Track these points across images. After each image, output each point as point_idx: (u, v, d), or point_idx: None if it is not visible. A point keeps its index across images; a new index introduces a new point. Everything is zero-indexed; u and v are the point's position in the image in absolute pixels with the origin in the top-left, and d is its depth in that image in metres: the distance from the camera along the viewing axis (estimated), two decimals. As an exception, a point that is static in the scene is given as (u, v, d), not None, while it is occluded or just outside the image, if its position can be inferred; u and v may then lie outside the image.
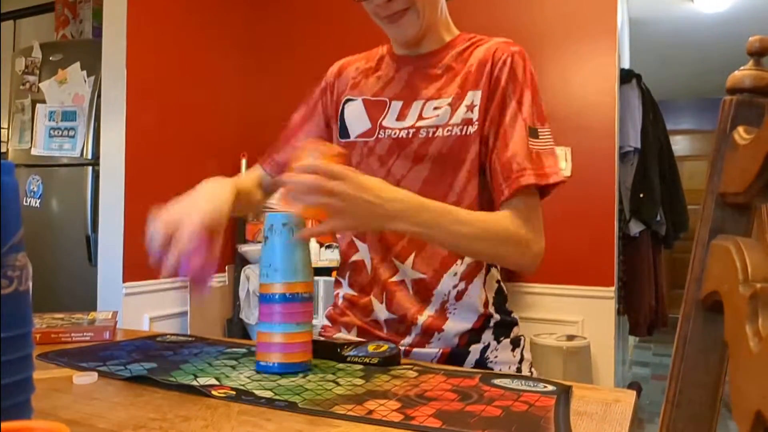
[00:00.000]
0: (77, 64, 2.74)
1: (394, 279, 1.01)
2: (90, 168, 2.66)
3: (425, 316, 1.00)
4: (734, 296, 0.41)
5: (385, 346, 0.95)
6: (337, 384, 0.81)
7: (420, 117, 1.01)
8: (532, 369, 1.05)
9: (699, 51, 5.00)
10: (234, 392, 0.76)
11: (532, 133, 0.97)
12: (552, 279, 2.59)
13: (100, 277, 2.45)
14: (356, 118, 1.06)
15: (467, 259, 1.00)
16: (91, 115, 2.68)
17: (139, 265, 2.45)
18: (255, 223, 2.95)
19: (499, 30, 2.71)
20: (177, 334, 1.17)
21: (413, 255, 1.00)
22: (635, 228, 2.99)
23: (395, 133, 1.02)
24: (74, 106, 2.73)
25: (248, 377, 0.84)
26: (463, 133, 0.98)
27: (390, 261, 1.02)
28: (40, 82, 2.82)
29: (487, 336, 1.01)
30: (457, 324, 0.99)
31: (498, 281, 1.05)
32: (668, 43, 4.82)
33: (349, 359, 0.92)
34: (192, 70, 2.76)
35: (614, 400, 0.75)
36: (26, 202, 2.76)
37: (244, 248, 2.80)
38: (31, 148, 2.79)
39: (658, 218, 3.02)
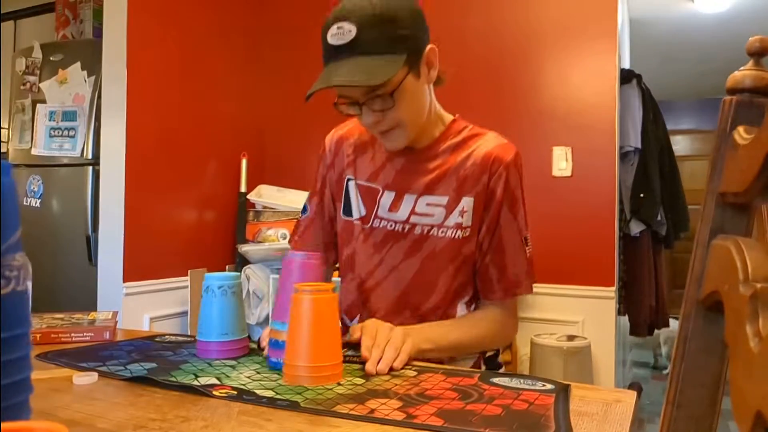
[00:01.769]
0: (77, 65, 2.74)
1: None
2: (90, 168, 2.65)
3: None
4: (734, 296, 0.41)
5: None
6: (338, 383, 0.81)
7: (413, 211, 1.07)
8: None
9: (699, 51, 4.99)
10: (235, 392, 0.76)
11: (526, 241, 1.08)
12: (552, 279, 2.59)
13: (100, 277, 2.45)
14: (354, 200, 1.12)
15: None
16: (92, 115, 2.68)
17: (140, 265, 2.45)
18: (255, 223, 2.95)
19: (499, 30, 2.72)
20: (177, 334, 1.17)
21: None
22: (635, 228, 2.98)
23: (390, 225, 1.08)
24: (74, 106, 2.73)
25: (248, 377, 0.84)
26: (454, 236, 1.05)
27: None
28: (40, 82, 2.82)
29: None
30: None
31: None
32: (668, 43, 4.82)
33: (348, 359, 0.92)
34: (192, 70, 2.76)
35: (615, 400, 0.75)
36: (26, 202, 2.76)
37: (245, 248, 2.80)
38: (31, 148, 2.79)
39: (659, 218, 3.01)
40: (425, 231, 1.05)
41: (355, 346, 0.96)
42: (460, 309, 1.10)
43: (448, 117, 1.13)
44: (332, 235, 1.18)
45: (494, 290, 1.08)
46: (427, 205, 1.06)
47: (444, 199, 1.05)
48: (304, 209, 1.22)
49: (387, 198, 1.08)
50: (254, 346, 1.05)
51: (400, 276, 1.07)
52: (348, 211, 1.12)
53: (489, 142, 1.07)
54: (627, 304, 3.00)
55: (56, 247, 2.70)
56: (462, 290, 1.10)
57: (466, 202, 1.05)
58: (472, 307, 1.13)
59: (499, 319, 1.09)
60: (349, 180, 1.12)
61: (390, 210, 1.07)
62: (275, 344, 0.88)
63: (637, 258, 3.02)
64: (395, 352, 0.90)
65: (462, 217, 1.05)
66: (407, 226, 1.06)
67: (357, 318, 1.13)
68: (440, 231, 1.05)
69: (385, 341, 0.91)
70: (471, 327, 1.07)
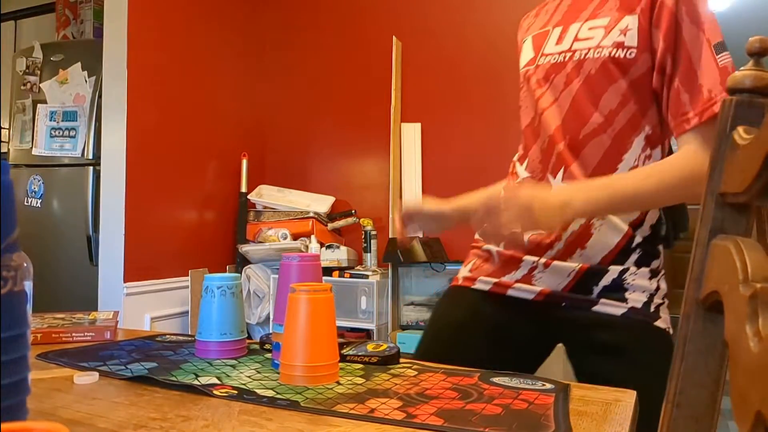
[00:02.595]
0: (78, 65, 2.74)
1: None
2: (91, 168, 2.66)
3: (569, 233, 1.02)
4: (734, 296, 0.41)
5: (384, 345, 0.96)
6: (338, 383, 0.81)
7: (576, 38, 1.04)
8: (665, 299, 1.07)
9: (699, 51, 4.99)
10: (236, 391, 0.76)
11: (717, 49, 0.93)
12: (552, 279, 2.59)
13: (101, 277, 2.45)
14: (524, 52, 1.15)
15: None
16: (92, 115, 2.68)
17: (140, 265, 2.45)
18: (255, 222, 2.95)
19: (498, 30, 2.72)
20: (177, 334, 1.18)
21: (562, 170, 1.03)
22: (635, 228, 2.98)
23: (554, 58, 1.07)
24: (75, 106, 2.73)
25: (249, 376, 0.84)
26: (612, 55, 0.99)
27: (546, 180, 1.05)
28: (41, 82, 2.83)
29: (630, 260, 1.03)
30: (599, 240, 1.01)
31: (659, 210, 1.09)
32: (669, 43, 4.82)
33: (348, 358, 0.92)
34: (193, 70, 2.76)
35: (614, 399, 0.75)
36: (27, 202, 2.76)
37: (245, 248, 2.80)
38: (32, 148, 2.79)
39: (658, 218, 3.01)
40: (583, 55, 1.02)
41: (356, 345, 0.97)
42: (637, 144, 1.01)
43: None
44: None
45: (688, 116, 0.93)
46: (590, 29, 1.03)
47: (606, 20, 1.01)
48: None
49: (555, 34, 1.08)
50: (255, 346, 1.05)
51: (561, 103, 1.04)
52: (522, 65, 1.15)
53: None
54: (627, 304, 3.00)
55: (57, 247, 2.70)
56: (636, 122, 1.00)
57: (629, 21, 0.98)
58: (657, 150, 1.03)
59: (693, 156, 0.92)
60: (523, 43, 1.17)
61: (557, 44, 1.07)
62: (278, 347, 0.88)
63: (638, 258, 3.01)
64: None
65: (625, 35, 0.98)
66: (568, 54, 1.04)
67: (526, 160, 1.10)
68: (596, 52, 1.00)
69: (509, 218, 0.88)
70: (648, 176, 0.94)
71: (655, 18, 0.96)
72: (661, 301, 1.05)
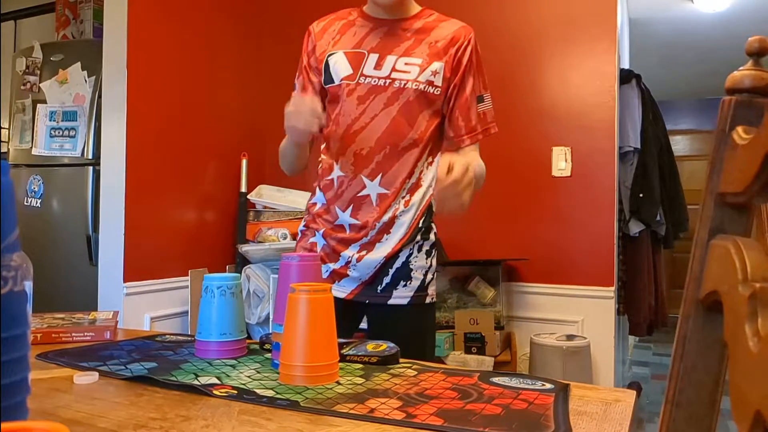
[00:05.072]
0: (78, 65, 2.74)
1: (361, 194, 1.28)
2: (91, 168, 2.65)
3: (381, 222, 1.29)
4: (733, 296, 0.41)
5: (384, 345, 0.96)
6: (338, 383, 0.81)
7: (393, 69, 1.29)
8: (435, 273, 1.36)
9: (699, 51, 4.99)
10: (235, 391, 0.76)
11: (482, 99, 1.35)
12: (552, 279, 2.59)
13: (101, 276, 2.45)
14: (340, 66, 1.31)
15: (413, 178, 1.30)
16: (92, 115, 2.68)
17: (140, 264, 2.45)
18: (255, 222, 2.95)
19: (499, 30, 2.72)
20: (177, 334, 1.18)
21: (380, 176, 1.28)
22: (635, 228, 2.98)
23: (374, 81, 1.29)
24: (75, 106, 2.73)
25: (249, 376, 0.84)
26: (425, 90, 1.28)
27: (359, 179, 1.29)
28: (40, 82, 2.82)
29: (415, 245, 1.32)
30: (400, 229, 1.29)
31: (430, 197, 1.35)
32: (668, 43, 4.82)
33: (348, 358, 0.92)
34: (193, 69, 2.76)
35: (614, 399, 0.75)
36: (27, 202, 2.76)
37: (245, 248, 2.80)
38: (31, 148, 2.79)
39: (658, 218, 3.01)
40: (402, 84, 1.27)
41: (356, 344, 0.97)
42: (434, 153, 1.34)
43: (418, 6, 1.38)
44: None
45: (463, 139, 1.32)
46: (406, 64, 1.28)
47: (419, 60, 1.29)
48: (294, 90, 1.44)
49: (372, 59, 1.30)
50: (255, 346, 1.05)
51: (381, 121, 1.28)
52: (330, 80, 1.32)
53: (455, 24, 1.35)
54: (626, 303, 3.01)
55: (57, 247, 2.70)
56: (434, 138, 1.32)
57: (437, 66, 1.29)
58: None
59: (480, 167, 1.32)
60: (330, 55, 1.33)
61: (375, 68, 1.29)
62: (278, 346, 0.88)
63: (637, 258, 3.02)
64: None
65: (434, 77, 1.28)
66: (388, 81, 1.28)
67: (340, 161, 1.31)
68: (414, 84, 1.27)
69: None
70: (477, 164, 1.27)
71: (454, 69, 1.31)
72: (432, 277, 1.35)
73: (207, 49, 2.86)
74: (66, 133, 2.73)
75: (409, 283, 1.30)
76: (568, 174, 2.57)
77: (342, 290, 1.31)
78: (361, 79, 1.29)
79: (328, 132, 1.34)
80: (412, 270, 1.30)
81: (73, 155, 2.70)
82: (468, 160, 1.10)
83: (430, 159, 1.33)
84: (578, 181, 2.56)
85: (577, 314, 2.55)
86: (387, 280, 1.30)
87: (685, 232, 3.29)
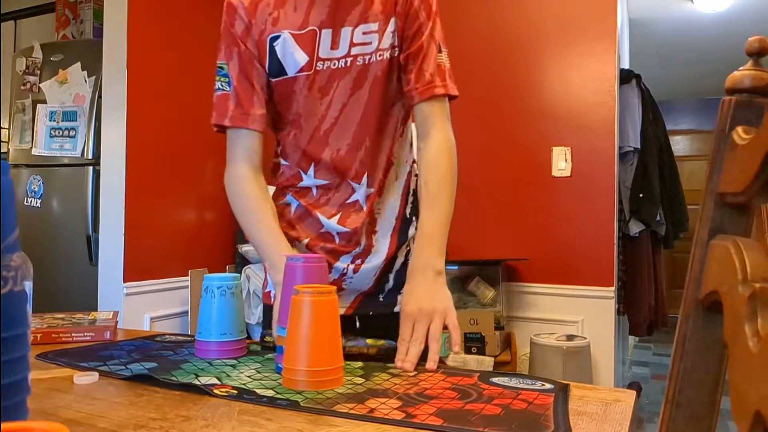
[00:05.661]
0: (78, 65, 2.74)
1: (351, 200, 1.12)
2: (91, 168, 2.65)
3: (366, 224, 1.13)
4: (733, 296, 0.41)
5: (383, 341, 0.96)
6: (338, 383, 0.81)
7: (352, 43, 1.07)
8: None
9: (699, 51, 4.99)
10: (236, 391, 0.76)
11: (439, 48, 1.10)
12: (552, 279, 2.59)
13: (101, 277, 2.45)
14: (290, 54, 1.07)
15: (401, 179, 1.16)
16: (92, 115, 2.68)
17: (140, 265, 2.45)
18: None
19: (499, 30, 2.72)
20: (177, 334, 1.18)
21: (365, 175, 1.11)
22: (635, 228, 2.99)
23: (333, 64, 1.07)
24: (75, 106, 2.73)
25: (249, 376, 0.84)
26: (390, 56, 1.08)
27: (346, 184, 1.12)
28: (40, 82, 2.82)
29: (411, 240, 1.16)
30: (384, 223, 1.15)
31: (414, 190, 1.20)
32: (668, 43, 4.82)
33: (346, 350, 0.91)
34: (193, 69, 2.76)
35: (614, 399, 0.75)
36: (27, 202, 2.76)
37: (245, 248, 2.80)
38: (31, 148, 2.79)
39: (658, 218, 3.02)
40: (367, 59, 1.07)
41: (354, 338, 0.96)
42: (404, 121, 1.16)
43: None
44: (264, 101, 1.15)
45: (413, 94, 1.08)
46: (364, 33, 1.07)
47: (376, 26, 1.07)
48: (224, 79, 1.24)
49: (326, 37, 1.06)
50: (255, 346, 1.05)
51: (352, 110, 1.08)
52: (281, 71, 1.09)
53: None
54: (626, 303, 3.01)
55: (57, 247, 2.70)
56: (403, 106, 1.14)
57: (392, 24, 1.08)
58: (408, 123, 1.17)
59: (444, 147, 1.08)
60: (274, 39, 1.08)
61: (331, 48, 1.06)
62: (282, 350, 0.87)
63: (637, 258, 3.02)
64: (437, 344, 0.93)
65: (393, 37, 1.08)
66: (349, 60, 1.07)
67: (312, 167, 1.13)
68: (378, 55, 1.07)
69: (424, 334, 0.94)
70: (447, 198, 1.07)
71: (406, 17, 1.08)
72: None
73: (207, 49, 2.86)
74: (66, 133, 2.73)
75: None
76: (568, 174, 2.57)
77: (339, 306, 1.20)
78: (318, 65, 1.06)
79: (289, 140, 1.14)
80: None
81: (73, 155, 2.70)
82: (433, 305, 0.96)
83: (401, 129, 1.15)
84: (578, 181, 2.56)
85: (577, 314, 2.55)
86: (389, 285, 1.16)
87: (685, 232, 3.29)
